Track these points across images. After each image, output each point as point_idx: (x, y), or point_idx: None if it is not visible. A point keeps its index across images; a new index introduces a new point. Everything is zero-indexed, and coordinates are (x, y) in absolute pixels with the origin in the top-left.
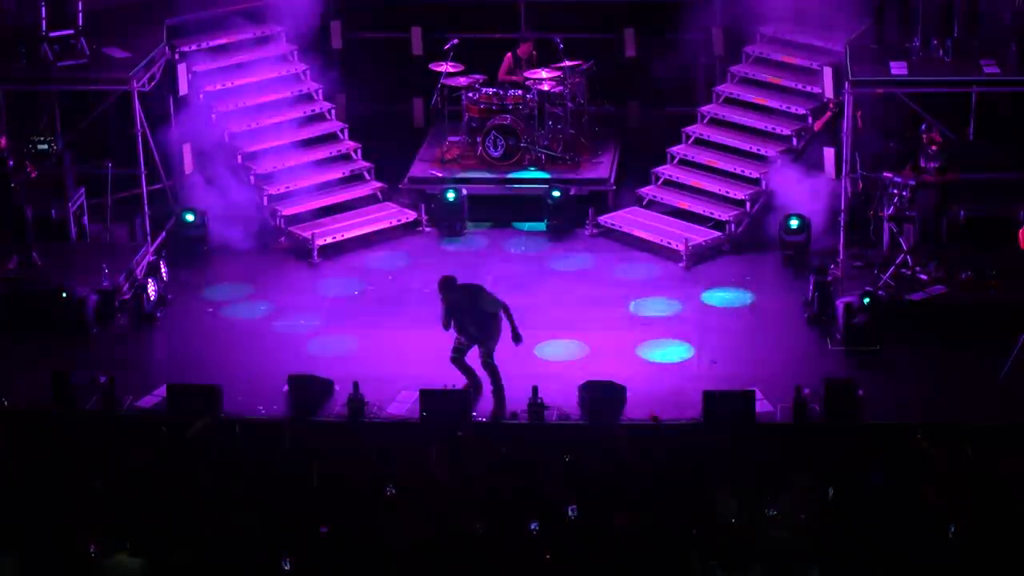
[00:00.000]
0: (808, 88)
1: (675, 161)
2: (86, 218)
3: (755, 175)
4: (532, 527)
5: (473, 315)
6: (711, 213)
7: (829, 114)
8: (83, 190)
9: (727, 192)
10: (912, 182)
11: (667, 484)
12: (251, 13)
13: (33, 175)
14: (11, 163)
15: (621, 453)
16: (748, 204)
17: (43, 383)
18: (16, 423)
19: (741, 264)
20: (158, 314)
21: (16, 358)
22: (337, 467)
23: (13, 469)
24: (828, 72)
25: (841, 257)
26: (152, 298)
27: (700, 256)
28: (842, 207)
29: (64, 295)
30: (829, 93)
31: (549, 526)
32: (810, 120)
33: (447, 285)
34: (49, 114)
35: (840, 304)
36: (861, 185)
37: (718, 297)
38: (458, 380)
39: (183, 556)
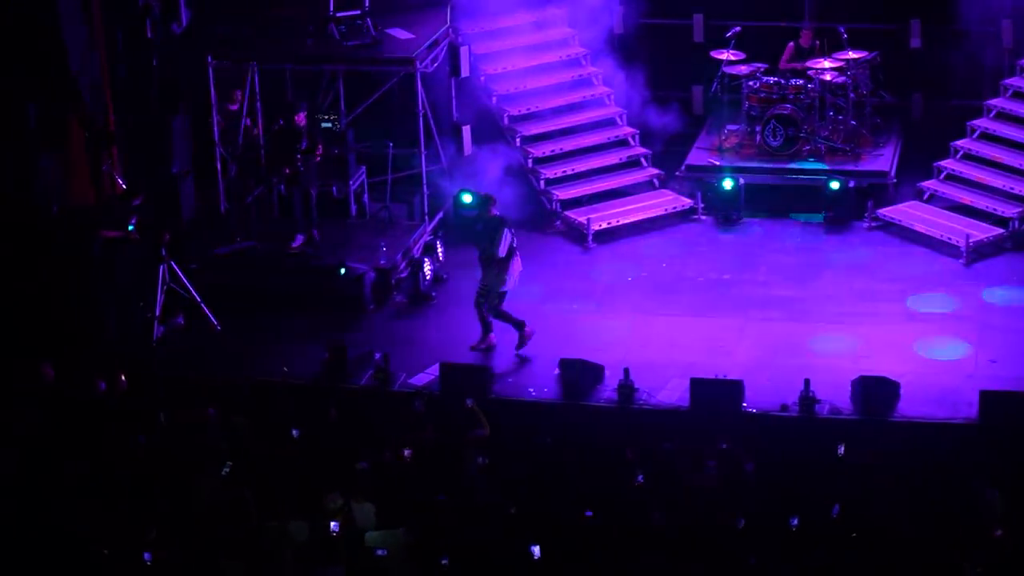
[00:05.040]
0: None
1: (959, 155)
2: (366, 196)
3: None
4: (792, 522)
5: (485, 250)
6: (994, 209)
7: None
8: (364, 169)
9: (1012, 188)
10: None
11: (939, 485)
12: None
13: (318, 158)
14: (304, 143)
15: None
16: None
17: (320, 358)
18: (295, 396)
19: None
20: (433, 293)
21: (296, 333)
22: (603, 453)
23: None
24: None
25: None
26: (428, 277)
27: (981, 253)
28: None
29: (343, 272)
30: None
31: (811, 523)
32: None
33: (485, 201)
34: (334, 93)
35: None
36: None
37: (1000, 295)
38: (730, 370)
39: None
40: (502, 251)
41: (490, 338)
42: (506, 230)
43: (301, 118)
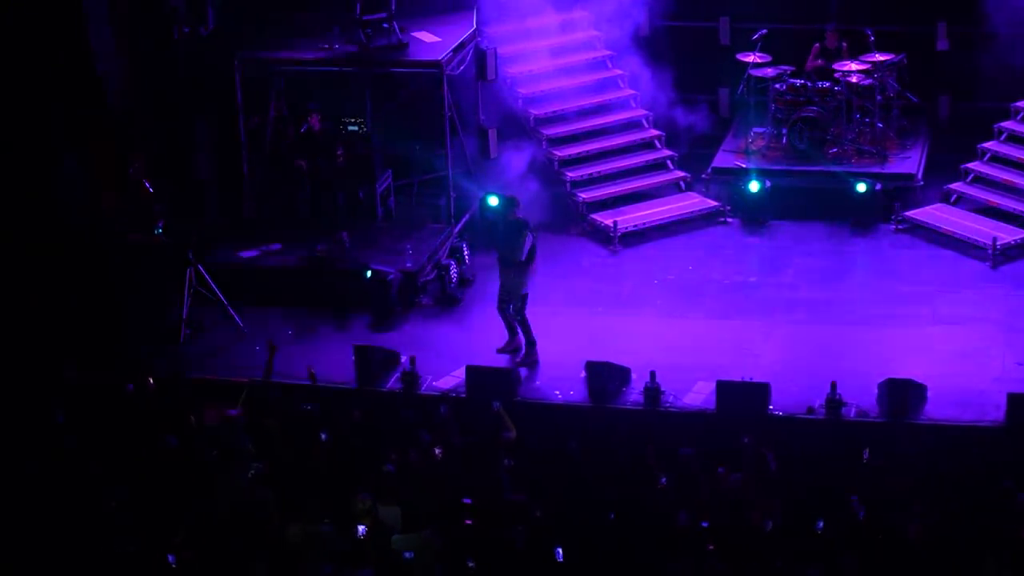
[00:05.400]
0: None
1: (986, 157)
2: (392, 199)
3: None
4: (818, 526)
5: (506, 252)
6: (1021, 211)
7: None
8: (390, 172)
9: None
10: None
11: (965, 488)
12: None
13: (340, 161)
14: (323, 145)
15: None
16: None
17: (347, 361)
18: (320, 398)
19: None
20: (459, 296)
21: (322, 336)
22: (629, 456)
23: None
24: None
25: None
26: (454, 280)
27: (1008, 255)
28: None
29: (369, 274)
30: None
31: (836, 525)
32: None
33: (509, 203)
34: (360, 96)
35: None
36: None
37: None
38: (756, 373)
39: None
40: (523, 254)
41: (516, 340)
42: (529, 233)
43: (315, 121)
